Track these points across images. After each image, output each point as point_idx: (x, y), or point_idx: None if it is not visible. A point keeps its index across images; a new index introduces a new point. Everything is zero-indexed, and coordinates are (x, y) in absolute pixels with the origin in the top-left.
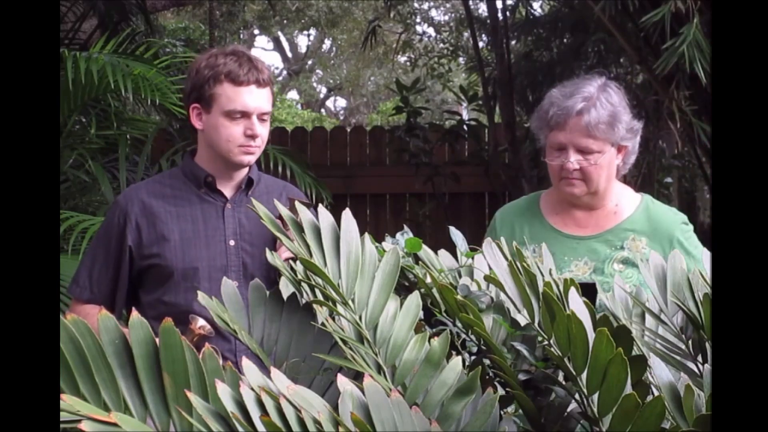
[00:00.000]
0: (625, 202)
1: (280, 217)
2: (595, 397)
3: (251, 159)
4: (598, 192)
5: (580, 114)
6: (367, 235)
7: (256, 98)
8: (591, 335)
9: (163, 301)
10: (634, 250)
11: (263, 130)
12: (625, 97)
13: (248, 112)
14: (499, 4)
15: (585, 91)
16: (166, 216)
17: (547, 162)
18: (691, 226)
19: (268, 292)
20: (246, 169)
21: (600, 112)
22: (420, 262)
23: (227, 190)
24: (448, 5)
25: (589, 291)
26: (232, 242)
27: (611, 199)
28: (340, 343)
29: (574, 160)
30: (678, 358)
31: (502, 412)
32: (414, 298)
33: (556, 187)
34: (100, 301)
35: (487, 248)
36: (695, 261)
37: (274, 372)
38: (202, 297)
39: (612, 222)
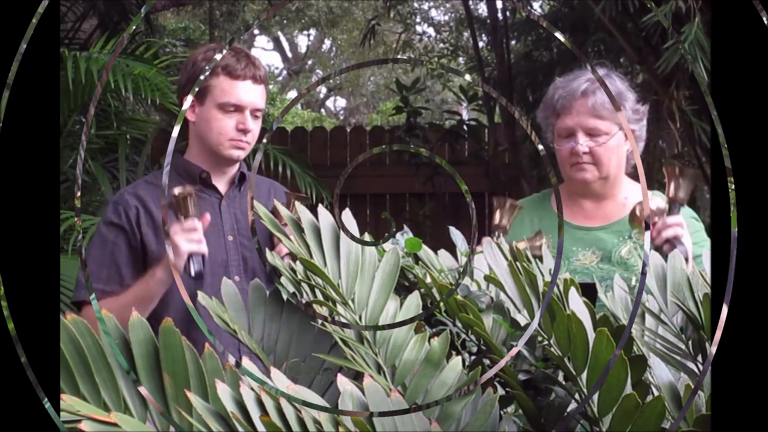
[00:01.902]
0: (633, 197)
1: (273, 211)
2: (595, 397)
3: (241, 154)
4: (608, 178)
5: (585, 95)
6: (367, 235)
7: (251, 93)
8: (591, 335)
9: (162, 300)
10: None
11: (255, 127)
12: (629, 83)
13: (242, 106)
14: (499, 4)
15: (588, 74)
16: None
17: (556, 149)
18: (699, 223)
19: (268, 292)
20: (238, 165)
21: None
22: (420, 262)
23: (221, 186)
24: (448, 5)
25: (589, 291)
26: (230, 237)
27: (621, 191)
28: (340, 343)
29: (583, 142)
30: (678, 358)
31: (502, 412)
32: (414, 298)
33: (566, 177)
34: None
35: (487, 248)
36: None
37: (274, 372)
38: (201, 297)
39: (620, 213)
